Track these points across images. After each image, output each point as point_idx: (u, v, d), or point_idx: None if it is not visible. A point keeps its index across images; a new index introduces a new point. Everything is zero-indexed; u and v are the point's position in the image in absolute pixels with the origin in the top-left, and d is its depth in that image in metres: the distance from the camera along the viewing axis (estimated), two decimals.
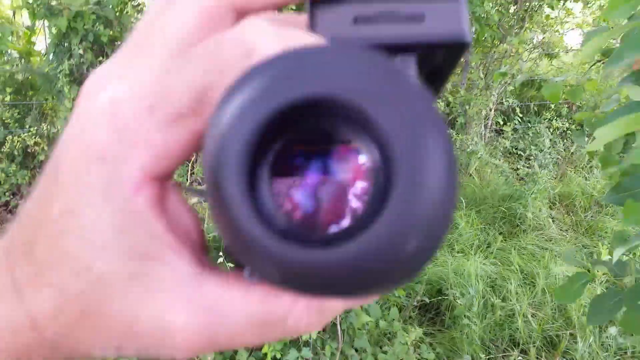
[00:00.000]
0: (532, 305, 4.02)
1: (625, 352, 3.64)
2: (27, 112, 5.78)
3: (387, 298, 2.85)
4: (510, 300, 4.02)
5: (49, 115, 5.88)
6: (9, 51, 5.93)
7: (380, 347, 2.69)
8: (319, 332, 2.33)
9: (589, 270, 1.32)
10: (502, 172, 6.02)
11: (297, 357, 2.24)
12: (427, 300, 3.56)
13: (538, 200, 5.39)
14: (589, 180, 6.22)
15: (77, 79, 5.61)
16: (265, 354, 2.25)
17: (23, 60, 6.02)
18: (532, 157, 6.61)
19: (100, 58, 5.63)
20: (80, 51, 5.42)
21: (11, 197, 5.29)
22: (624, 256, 1.24)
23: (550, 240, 5.08)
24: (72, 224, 0.24)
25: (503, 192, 5.74)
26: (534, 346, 3.61)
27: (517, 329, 3.71)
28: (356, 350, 2.52)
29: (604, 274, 3.23)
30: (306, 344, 2.30)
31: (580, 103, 6.68)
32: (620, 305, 1.24)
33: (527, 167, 6.44)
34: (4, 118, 5.57)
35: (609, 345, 3.68)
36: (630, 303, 1.20)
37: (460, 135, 6.47)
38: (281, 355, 2.27)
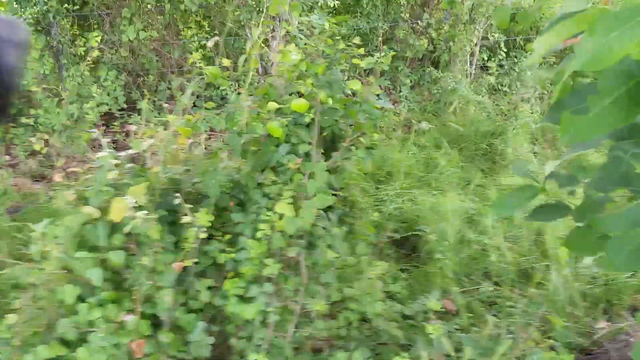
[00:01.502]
0: (508, 239, 4.05)
1: (598, 281, 3.70)
2: None
3: (358, 237, 2.85)
4: (487, 235, 4.04)
5: None
6: None
7: (348, 282, 2.71)
8: (282, 268, 2.34)
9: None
10: (484, 109, 5.94)
11: (259, 293, 2.25)
12: (397, 236, 3.57)
13: (520, 136, 5.34)
14: None
15: (44, 28, 5.40)
16: (227, 291, 2.26)
17: None
18: (516, 93, 6.51)
19: (67, 5, 5.40)
20: None
21: None
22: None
23: None
24: None
25: (485, 129, 5.68)
26: (508, 278, 3.66)
27: (491, 262, 3.75)
28: (323, 287, 2.54)
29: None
30: (268, 280, 2.31)
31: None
32: (560, 215, 1.21)
33: (510, 103, 6.35)
34: None
35: (584, 275, 3.73)
36: (577, 220, 1.17)
37: (443, 73, 6.34)
38: (244, 291, 2.28)
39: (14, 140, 5.30)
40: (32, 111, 5.26)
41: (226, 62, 2.39)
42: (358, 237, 2.79)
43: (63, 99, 5.28)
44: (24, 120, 5.24)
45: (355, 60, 2.69)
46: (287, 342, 2.46)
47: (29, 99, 5.50)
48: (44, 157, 5.30)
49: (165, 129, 2.23)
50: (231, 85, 4.89)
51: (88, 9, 5.61)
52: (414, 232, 3.93)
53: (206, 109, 2.42)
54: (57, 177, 2.28)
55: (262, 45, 2.59)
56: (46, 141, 5.19)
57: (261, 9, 5.56)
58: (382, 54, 2.70)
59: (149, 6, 5.76)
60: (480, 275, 3.72)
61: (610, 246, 0.98)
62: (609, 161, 1.01)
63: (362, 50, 2.72)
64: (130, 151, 2.30)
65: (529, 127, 5.51)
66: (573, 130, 0.92)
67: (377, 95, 2.64)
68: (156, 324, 2.33)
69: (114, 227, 2.17)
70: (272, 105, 2.36)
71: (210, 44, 2.42)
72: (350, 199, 2.89)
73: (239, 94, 2.52)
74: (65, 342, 2.18)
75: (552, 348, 2.87)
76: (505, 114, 5.91)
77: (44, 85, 5.20)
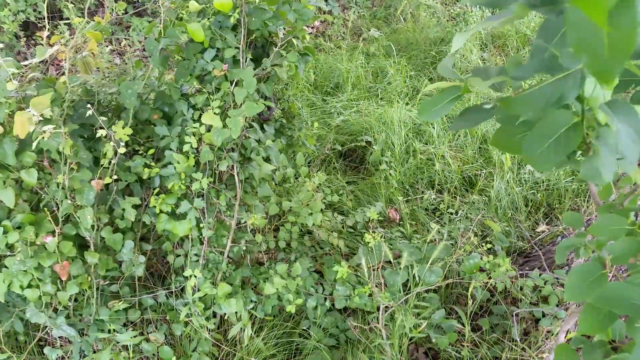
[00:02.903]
0: (453, 147, 4.04)
1: (540, 186, 3.78)
2: None
3: (298, 149, 2.74)
4: (432, 144, 4.02)
5: None
6: None
7: (288, 197, 2.65)
8: (213, 183, 2.22)
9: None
10: (433, 14, 5.73)
11: (190, 208, 2.14)
12: (340, 148, 3.48)
13: (469, 42, 5.20)
14: (524, 18, 6.03)
15: None
16: (155, 207, 2.14)
17: None
18: None
19: None
20: None
21: None
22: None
23: None
24: None
25: (435, 35, 5.51)
26: (452, 185, 3.68)
27: (436, 171, 3.75)
28: (261, 201, 2.45)
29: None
30: (199, 196, 2.20)
31: None
32: (482, 118, 1.12)
33: (461, 8, 6.14)
34: None
35: (525, 180, 3.80)
36: (501, 116, 1.08)
37: None
38: (173, 208, 2.17)
39: None
40: None
41: None
42: (298, 150, 2.69)
43: None
44: None
45: None
46: (223, 257, 2.40)
47: None
48: None
49: (73, 35, 1.98)
50: None
51: None
52: (359, 144, 3.86)
53: (125, 13, 2.16)
54: None
55: None
56: None
57: None
58: None
59: None
60: (425, 184, 3.73)
61: (528, 140, 0.90)
62: (532, 49, 0.90)
63: None
64: (35, 59, 2.05)
65: (478, 33, 5.37)
66: None
67: None
68: (82, 245, 2.22)
69: (23, 144, 1.98)
70: (193, 5, 2.13)
71: None
72: (289, 111, 2.74)
73: None
74: None
75: (491, 252, 2.95)
76: (455, 19, 5.72)
77: None
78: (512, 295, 2.73)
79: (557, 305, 2.39)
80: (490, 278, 2.41)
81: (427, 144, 4.03)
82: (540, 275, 2.51)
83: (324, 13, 5.18)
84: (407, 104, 4.46)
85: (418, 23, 5.84)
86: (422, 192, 3.65)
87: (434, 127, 4.08)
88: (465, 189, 3.75)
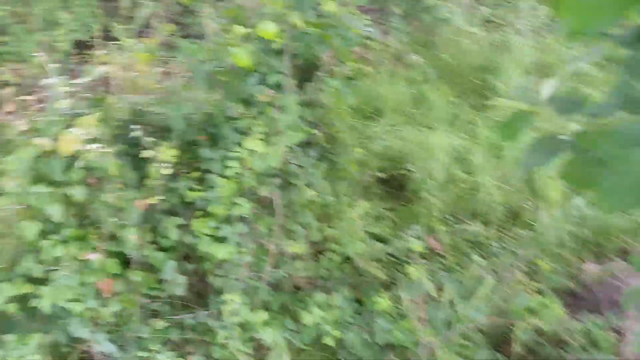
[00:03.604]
0: (497, 177, 3.92)
1: (587, 222, 3.61)
2: None
3: (341, 175, 2.70)
4: (475, 173, 3.91)
5: None
6: None
7: (328, 222, 2.59)
8: (255, 208, 2.20)
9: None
10: (477, 42, 5.65)
11: (231, 233, 2.12)
12: (383, 176, 3.41)
13: (512, 70, 5.10)
14: (572, 48, 5.89)
15: None
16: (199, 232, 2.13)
17: None
18: (510, 25, 6.20)
19: None
20: None
21: None
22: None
23: None
24: None
25: (477, 62, 5.43)
26: (496, 218, 3.56)
27: (479, 201, 3.64)
28: (302, 227, 2.41)
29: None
30: (241, 220, 2.17)
31: None
32: (558, 151, 1.05)
33: (503, 36, 6.05)
34: None
35: (574, 216, 3.63)
36: (576, 150, 1.01)
37: (435, 1, 5.99)
38: (215, 231, 2.15)
39: None
40: (0, 38, 4.93)
41: None
42: (340, 176, 2.64)
43: (31, 26, 4.94)
44: None
45: None
46: (263, 283, 2.36)
47: None
48: (17, 87, 5.03)
49: (122, 55, 2.01)
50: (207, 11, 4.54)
51: None
52: (400, 171, 3.78)
53: (172, 34, 2.19)
54: (10, 107, 2.08)
55: None
56: (17, 70, 4.90)
57: None
58: None
59: None
60: (468, 215, 3.62)
61: (606, 178, 0.83)
62: (617, 84, 0.84)
63: None
64: (85, 79, 2.09)
65: (523, 61, 5.27)
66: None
67: (365, 22, 2.41)
68: (126, 262, 2.22)
69: (72, 161, 2.00)
70: (239, 30, 2.13)
71: None
72: (332, 135, 2.71)
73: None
74: (30, 280, 2.07)
75: (538, 291, 2.80)
76: (499, 47, 5.63)
77: (9, 8, 4.84)
78: (559, 337, 2.59)
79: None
80: (538, 319, 2.30)
81: (469, 172, 3.92)
82: (590, 318, 2.38)
83: (365, 38, 5.18)
84: (449, 130, 4.37)
85: (459, 49, 5.78)
86: (464, 222, 3.54)
87: (476, 155, 3.98)
88: (509, 221, 3.62)
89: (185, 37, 4.92)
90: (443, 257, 3.20)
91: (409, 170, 3.80)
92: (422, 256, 3.18)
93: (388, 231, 3.09)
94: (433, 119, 4.53)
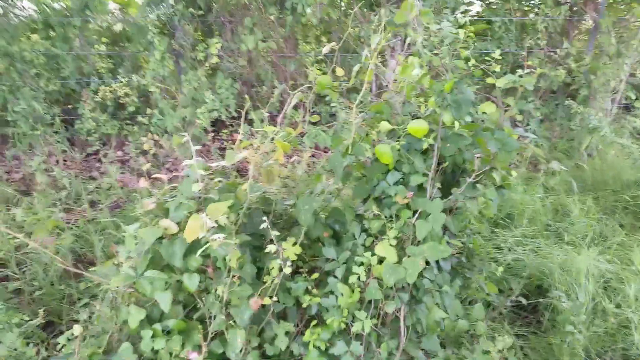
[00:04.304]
0: None
1: None
2: (120, 63, 5.82)
3: (473, 293, 2.34)
4: (627, 307, 3.30)
5: (141, 67, 5.88)
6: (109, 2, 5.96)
7: (457, 350, 2.21)
8: (375, 326, 1.91)
9: None
10: (629, 155, 5.09)
11: (346, 352, 1.84)
12: (525, 302, 2.95)
13: None
14: None
15: (169, 31, 5.49)
16: (308, 342, 1.88)
17: (121, 11, 6.04)
18: None
19: (192, 9, 5.47)
20: (172, 1, 5.28)
21: (101, 146, 5.38)
22: None
23: None
24: None
25: (628, 177, 4.84)
26: None
27: (633, 343, 3.02)
28: (426, 354, 2.07)
29: None
30: (358, 337, 1.89)
31: None
32: None
33: None
34: (98, 68, 5.64)
35: None
36: None
37: (581, 108, 5.57)
38: (327, 346, 1.88)
39: (129, 137, 5.43)
40: (148, 111, 5.36)
41: (339, 71, 2.05)
42: (474, 295, 2.29)
43: (177, 101, 5.32)
44: (139, 119, 5.35)
45: (490, 80, 2.21)
46: None
47: (147, 99, 5.63)
48: (153, 156, 5.37)
49: (262, 142, 1.93)
50: (342, 102, 4.59)
51: (212, 15, 5.65)
52: (545, 298, 3.28)
53: (311, 123, 2.09)
54: (143, 183, 2.06)
55: (379, 62, 2.22)
56: (157, 141, 5.25)
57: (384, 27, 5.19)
58: (525, 71, 2.20)
59: (271, 17, 5.68)
60: (618, 358, 3.01)
61: None
62: None
63: (498, 68, 2.25)
64: (222, 162, 2.02)
65: None
66: None
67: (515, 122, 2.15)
68: None
69: (192, 247, 1.89)
70: (384, 125, 1.97)
71: (325, 50, 2.09)
72: (469, 248, 2.40)
73: (349, 110, 2.17)
74: None
75: None
76: None
77: (161, 86, 5.28)
78: None
79: None
80: None
81: (619, 306, 3.32)
82: None
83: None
84: (593, 251, 3.81)
85: (606, 161, 5.24)
86: None
87: (630, 286, 3.38)
88: None
89: (314, 124, 4.99)
90: None
91: (547, 293, 3.30)
92: None
93: None
94: (576, 235, 4.01)
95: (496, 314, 2.97)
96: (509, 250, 3.81)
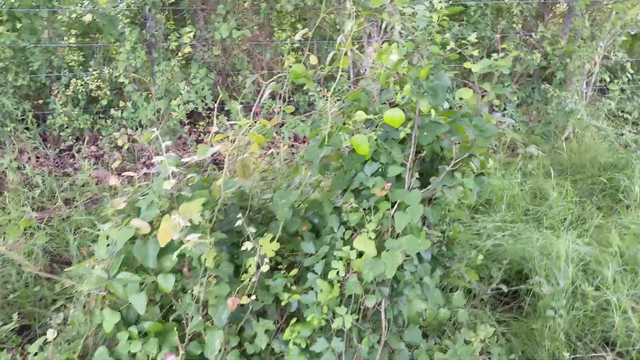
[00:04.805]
0: (633, 297, 3.32)
1: None
2: (91, 55, 5.65)
3: (454, 281, 2.33)
4: (607, 289, 3.34)
5: (113, 59, 5.73)
6: None
7: (439, 341, 2.20)
8: (356, 321, 1.88)
9: None
10: (605, 137, 5.14)
11: (327, 348, 1.81)
12: (505, 289, 2.95)
13: None
14: None
15: (140, 21, 5.35)
16: (288, 340, 1.84)
17: (91, 1, 5.85)
18: None
19: None
20: None
21: (74, 141, 5.24)
22: None
23: None
24: None
25: (605, 160, 4.90)
26: (634, 349, 2.95)
27: (613, 325, 3.06)
28: (408, 346, 2.05)
29: None
30: (339, 333, 1.86)
31: None
32: None
33: (635, 133, 5.49)
34: (68, 61, 5.48)
35: None
36: None
37: (557, 91, 5.60)
38: (307, 343, 1.85)
39: (102, 131, 5.29)
40: (122, 104, 5.23)
41: (313, 59, 1.99)
42: (455, 283, 2.28)
43: (151, 93, 5.20)
44: (112, 112, 5.22)
45: (467, 64, 2.16)
46: None
47: (120, 92, 5.49)
48: (128, 151, 5.25)
49: (236, 135, 1.87)
50: (319, 90, 4.53)
51: (184, 4, 5.51)
52: (525, 284, 3.29)
53: (285, 113, 2.03)
54: (114, 181, 1.99)
55: (356, 49, 2.16)
56: (131, 136, 5.12)
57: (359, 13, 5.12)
58: (500, 55, 2.15)
59: (245, 4, 5.57)
60: (598, 341, 3.04)
61: None
62: None
63: (476, 52, 2.20)
64: (195, 157, 1.96)
65: None
66: None
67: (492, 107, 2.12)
68: None
69: (166, 247, 1.83)
70: (360, 114, 1.93)
71: (298, 37, 2.04)
72: (448, 237, 2.38)
73: (327, 99, 2.12)
74: None
75: None
76: (628, 145, 5.07)
77: (134, 76, 5.14)
78: None
79: None
80: None
81: (598, 288, 3.36)
82: None
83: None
84: (571, 234, 3.85)
85: (583, 144, 5.29)
86: (595, 349, 2.97)
87: (608, 268, 3.42)
88: None
89: (292, 113, 4.93)
90: None
91: (527, 279, 3.33)
92: None
93: (504, 358, 2.61)
94: (554, 220, 4.04)
95: (477, 301, 2.97)
96: (488, 236, 3.82)
